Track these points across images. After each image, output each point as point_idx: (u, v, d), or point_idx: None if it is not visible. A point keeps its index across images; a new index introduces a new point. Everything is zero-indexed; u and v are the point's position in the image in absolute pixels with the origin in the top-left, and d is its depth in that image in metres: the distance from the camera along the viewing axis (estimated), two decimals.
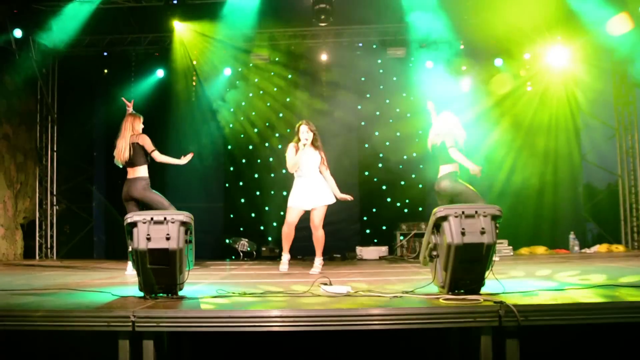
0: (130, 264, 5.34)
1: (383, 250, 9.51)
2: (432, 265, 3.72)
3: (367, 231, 10.67)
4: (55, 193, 10.55)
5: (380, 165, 10.58)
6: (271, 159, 10.58)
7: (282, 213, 5.97)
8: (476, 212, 3.43)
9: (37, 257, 10.11)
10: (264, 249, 10.01)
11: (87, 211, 10.96)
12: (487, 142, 9.82)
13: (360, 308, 3.12)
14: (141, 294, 3.59)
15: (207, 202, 10.53)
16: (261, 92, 10.78)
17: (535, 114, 10.24)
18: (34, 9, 9.09)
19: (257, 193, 10.74)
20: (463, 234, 3.36)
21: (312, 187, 5.84)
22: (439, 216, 3.47)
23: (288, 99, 10.79)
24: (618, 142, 10.41)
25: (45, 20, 9.16)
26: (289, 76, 10.79)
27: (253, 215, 10.71)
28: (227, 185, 10.97)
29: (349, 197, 5.96)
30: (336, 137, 10.14)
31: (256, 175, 10.79)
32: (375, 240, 10.17)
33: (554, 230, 10.20)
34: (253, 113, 10.76)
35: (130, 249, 3.52)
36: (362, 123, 10.68)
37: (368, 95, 10.59)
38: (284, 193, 6.05)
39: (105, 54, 10.67)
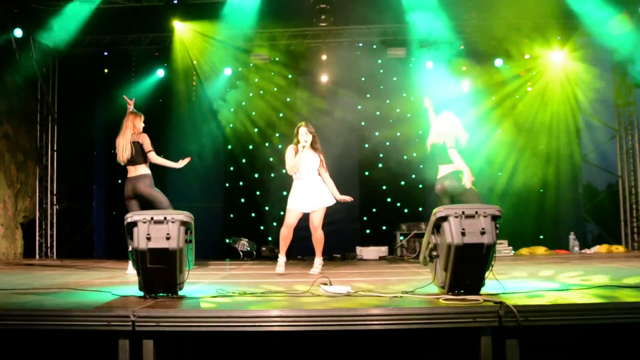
0: (130, 263, 5.34)
1: (383, 250, 9.51)
2: (432, 265, 3.72)
3: (367, 231, 10.68)
4: (55, 192, 10.56)
5: (380, 165, 10.58)
6: (271, 159, 10.59)
7: (282, 213, 5.97)
8: (476, 212, 3.43)
9: (37, 256, 10.12)
10: (263, 248, 10.02)
11: (87, 211, 10.96)
12: (487, 142, 9.83)
13: (360, 308, 3.12)
14: (141, 293, 3.59)
15: (207, 202, 10.53)
16: (261, 92, 10.79)
17: (535, 115, 10.25)
18: (35, 8, 9.09)
19: (257, 193, 10.75)
20: (463, 234, 3.36)
21: (311, 189, 5.84)
22: (439, 216, 3.47)
23: (288, 99, 10.79)
24: (618, 143, 10.42)
25: (45, 19, 9.16)
26: (289, 76, 10.80)
27: (253, 215, 10.71)
28: (227, 185, 10.97)
29: (348, 199, 5.96)
30: (336, 137, 10.12)
31: (256, 175, 10.80)
32: (375, 241, 10.17)
33: (554, 230, 10.22)
34: (253, 113, 10.76)
35: (130, 248, 3.52)
36: (363, 123, 10.68)
37: (368, 96, 10.59)
38: (284, 193, 6.04)
39: (105, 53, 10.68)
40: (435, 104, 6.46)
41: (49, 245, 10.33)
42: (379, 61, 10.61)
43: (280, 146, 10.01)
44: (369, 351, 3.28)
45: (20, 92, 9.81)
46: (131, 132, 5.96)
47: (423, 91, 6.60)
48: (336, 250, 9.41)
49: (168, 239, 3.43)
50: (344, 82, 10.55)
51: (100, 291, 4.01)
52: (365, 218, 10.74)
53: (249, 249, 9.82)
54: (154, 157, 5.89)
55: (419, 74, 10.05)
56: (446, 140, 6.09)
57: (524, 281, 4.50)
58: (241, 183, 10.87)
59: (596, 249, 9.57)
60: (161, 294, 3.58)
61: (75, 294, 3.97)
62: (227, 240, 10.08)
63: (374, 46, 10.51)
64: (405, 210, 10.58)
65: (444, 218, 3.44)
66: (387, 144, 10.42)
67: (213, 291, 3.87)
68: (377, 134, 10.52)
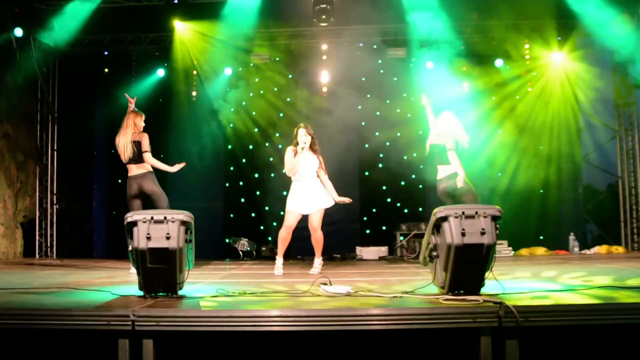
0: None
1: (383, 250, 9.51)
2: (432, 265, 3.72)
3: (367, 231, 10.67)
4: (55, 192, 10.56)
5: (380, 165, 10.58)
6: (271, 159, 10.58)
7: (282, 213, 5.97)
8: (476, 212, 3.43)
9: (37, 255, 10.12)
10: (263, 248, 10.02)
11: (87, 210, 10.97)
12: (488, 143, 9.83)
13: (360, 308, 3.12)
14: (141, 293, 3.59)
15: (207, 202, 10.54)
16: (261, 91, 10.79)
17: (536, 115, 10.25)
18: (35, 7, 9.10)
19: (257, 193, 10.74)
20: (463, 234, 3.36)
21: (309, 191, 5.84)
22: (439, 216, 3.47)
23: (288, 99, 10.79)
24: (618, 144, 10.43)
25: (46, 19, 9.16)
26: (290, 76, 10.81)
27: (253, 215, 10.72)
28: (227, 185, 10.97)
29: (347, 200, 5.95)
30: (336, 137, 10.10)
31: (256, 175, 10.79)
32: (375, 241, 10.16)
33: (554, 231, 10.22)
34: (253, 113, 10.76)
35: (130, 248, 3.52)
36: (363, 123, 10.67)
37: (368, 96, 10.58)
38: (284, 193, 6.04)
39: (105, 53, 10.70)
40: (435, 104, 6.46)
41: (49, 245, 10.33)
42: (379, 61, 10.61)
43: (280, 146, 10.00)
44: (369, 351, 3.28)
45: (21, 92, 9.81)
46: (132, 132, 5.96)
47: (423, 91, 6.56)
48: (336, 250, 9.40)
49: (168, 238, 3.43)
50: (344, 82, 10.54)
51: (100, 291, 4.01)
52: (365, 218, 10.74)
53: (249, 248, 9.82)
54: (149, 158, 5.89)
55: (419, 74, 10.04)
56: (446, 142, 6.09)
57: (524, 282, 4.50)
58: (241, 183, 10.87)
59: (596, 249, 9.57)
60: (161, 294, 3.58)
61: (75, 293, 3.97)
62: (227, 240, 10.08)
63: (374, 46, 10.52)
64: (405, 211, 10.58)
65: (444, 218, 3.44)
66: (387, 144, 10.42)
67: (213, 291, 3.87)
68: (377, 134, 10.52)
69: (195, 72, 10.72)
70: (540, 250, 9.46)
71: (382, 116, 10.54)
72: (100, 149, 10.91)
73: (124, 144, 5.92)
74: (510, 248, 9.38)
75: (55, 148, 10.62)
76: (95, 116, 10.95)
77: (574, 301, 3.23)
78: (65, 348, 3.15)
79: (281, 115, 10.71)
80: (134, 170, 5.95)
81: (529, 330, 2.96)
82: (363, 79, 10.63)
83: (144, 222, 3.47)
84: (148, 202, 5.91)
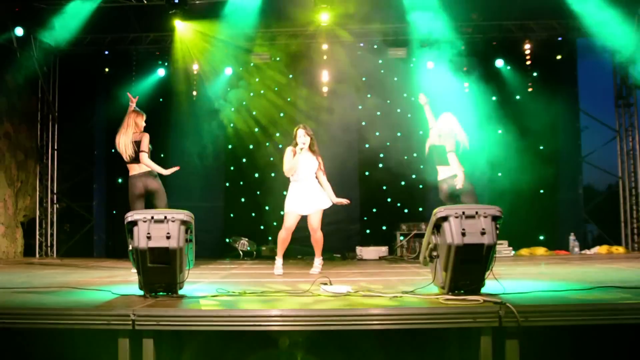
0: None
1: (383, 250, 9.51)
2: (432, 265, 3.72)
3: (367, 231, 10.67)
4: (55, 191, 10.56)
5: (380, 165, 10.57)
6: (272, 159, 10.57)
7: (282, 213, 5.97)
8: (477, 212, 3.43)
9: (38, 255, 10.12)
10: (264, 248, 10.01)
11: (88, 210, 10.97)
12: (488, 143, 9.82)
13: (360, 308, 3.12)
14: (141, 292, 3.59)
15: (208, 202, 10.54)
16: (262, 91, 10.77)
17: (536, 115, 10.23)
18: (36, 7, 9.09)
19: (258, 192, 10.73)
20: (463, 234, 3.36)
21: (308, 192, 5.84)
22: (440, 216, 3.47)
23: (289, 99, 10.78)
24: (618, 144, 10.43)
25: (46, 18, 9.16)
26: (290, 76, 10.80)
27: (253, 214, 10.71)
28: (227, 184, 10.97)
29: (344, 201, 5.95)
30: (337, 136, 10.14)
31: (257, 175, 10.78)
32: (375, 241, 10.16)
33: (554, 231, 10.23)
34: (254, 112, 10.75)
35: (130, 247, 3.52)
36: (363, 123, 10.66)
37: (369, 95, 10.57)
38: (285, 192, 6.03)
39: (106, 52, 10.70)
40: (436, 104, 6.45)
41: (49, 244, 10.33)
42: (380, 61, 10.60)
43: (280, 146, 9.99)
44: (369, 351, 3.27)
45: (21, 91, 9.81)
46: (133, 131, 5.96)
47: (425, 93, 6.55)
48: (336, 250, 9.40)
49: (168, 238, 3.44)
50: (344, 82, 10.54)
51: (100, 290, 4.02)
52: (365, 218, 10.73)
53: (249, 248, 9.82)
54: (144, 158, 5.89)
55: (419, 74, 10.04)
56: (446, 143, 6.10)
57: (524, 282, 4.50)
58: (242, 182, 10.87)
59: (596, 249, 9.57)
60: (161, 293, 3.59)
61: (75, 293, 3.97)
62: (228, 240, 10.08)
63: (375, 46, 10.51)
64: (406, 211, 10.58)
65: (444, 218, 3.45)
66: (388, 144, 10.40)
67: (213, 290, 3.87)
68: (377, 134, 10.50)
69: (195, 72, 10.72)
70: (541, 251, 9.46)
71: (382, 116, 10.53)
72: (101, 149, 10.91)
73: (125, 143, 5.92)
74: (511, 248, 9.38)
75: (56, 147, 10.62)
76: (95, 116, 10.96)
77: (574, 301, 3.23)
78: (65, 347, 3.15)
79: (282, 115, 10.70)
80: (136, 169, 5.95)
81: (530, 330, 2.96)
82: (363, 78, 10.62)
83: (145, 221, 3.47)
84: (147, 200, 5.92)
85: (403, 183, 10.59)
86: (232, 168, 10.96)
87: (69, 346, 3.13)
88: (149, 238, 3.43)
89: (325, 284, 4.03)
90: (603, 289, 3.74)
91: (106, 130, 10.39)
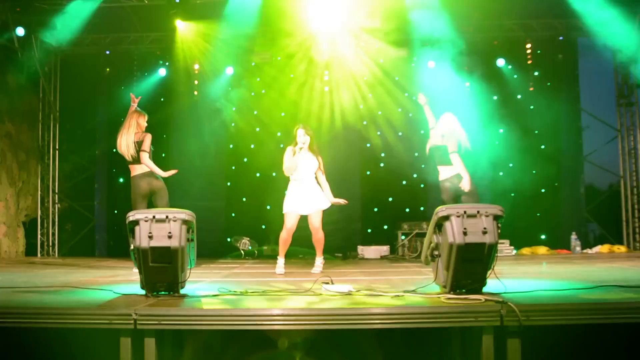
0: None
1: (384, 249, 9.50)
2: (433, 264, 3.72)
3: (369, 230, 10.66)
4: (57, 191, 10.57)
5: (381, 164, 10.57)
6: (273, 158, 10.55)
7: (283, 212, 5.97)
8: (478, 212, 3.43)
9: (39, 254, 10.13)
10: (265, 247, 10.01)
11: (89, 209, 10.98)
12: (489, 142, 9.81)
13: (361, 307, 3.12)
14: (143, 292, 3.59)
15: (209, 201, 10.52)
16: (263, 91, 10.77)
17: (537, 114, 10.23)
18: (37, 7, 9.09)
19: (259, 192, 10.72)
20: (465, 233, 3.35)
21: (307, 192, 5.84)
22: (441, 216, 3.47)
23: (290, 99, 10.77)
24: (620, 143, 10.41)
25: (48, 18, 9.16)
26: (291, 75, 10.78)
27: (255, 214, 10.69)
28: (229, 184, 10.96)
29: (342, 201, 5.96)
30: (338, 136, 10.14)
31: (258, 174, 10.77)
32: (377, 240, 10.16)
33: (555, 230, 10.22)
34: (255, 112, 10.75)
35: (132, 247, 3.52)
36: (364, 122, 10.66)
37: (370, 95, 10.57)
38: (286, 192, 6.04)
39: (107, 52, 10.70)
40: (437, 103, 6.44)
41: (50, 244, 10.34)
42: (381, 60, 10.59)
43: (282, 145, 9.98)
44: (371, 350, 3.28)
45: (22, 91, 9.81)
46: (135, 131, 5.96)
47: (426, 92, 6.54)
48: (337, 249, 9.40)
49: (170, 237, 3.44)
50: (345, 81, 10.53)
51: (102, 289, 4.02)
52: (366, 217, 10.72)
53: (250, 247, 9.82)
54: (145, 158, 5.88)
55: (421, 73, 10.03)
56: (449, 144, 6.09)
57: (526, 281, 4.50)
58: (243, 182, 10.86)
59: (598, 249, 9.56)
60: (163, 293, 3.59)
61: (77, 292, 3.98)
62: (229, 239, 10.08)
63: (376, 45, 10.50)
64: (407, 210, 10.57)
65: (446, 217, 3.45)
66: (389, 143, 10.40)
67: (215, 290, 3.88)
68: (378, 133, 10.51)
69: (196, 72, 10.72)
70: (542, 250, 9.45)
71: (383, 115, 10.52)
72: (102, 148, 10.90)
73: (126, 143, 5.92)
74: (512, 247, 9.38)
75: (57, 147, 10.62)
76: (96, 115, 10.95)
77: (576, 300, 3.23)
78: (67, 347, 3.16)
79: (283, 114, 10.69)
80: (139, 169, 5.95)
81: (531, 329, 2.96)
82: (364, 78, 10.62)
83: (146, 221, 3.48)
84: (149, 199, 5.93)
85: (404, 182, 10.59)
86: (233, 167, 10.96)
87: (71, 345, 3.14)
88: (150, 237, 3.43)
89: (327, 283, 4.03)
90: (605, 288, 3.73)
91: (107, 129, 10.40)
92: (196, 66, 10.61)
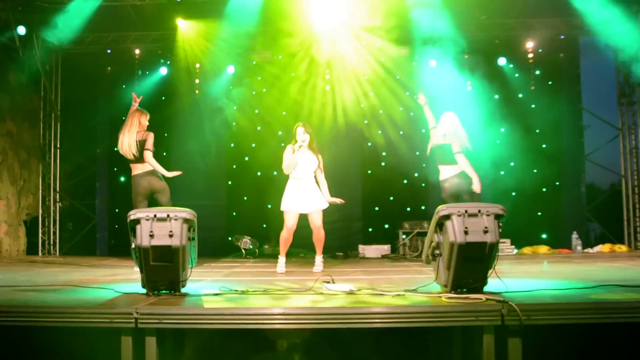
0: None
1: (385, 248, 9.50)
2: (434, 264, 3.72)
3: (370, 229, 10.66)
4: (58, 190, 10.57)
5: (383, 163, 10.56)
6: (274, 157, 10.55)
7: (281, 209, 5.97)
8: (479, 211, 3.43)
9: (40, 253, 10.14)
10: (266, 246, 10.02)
11: (90, 208, 10.99)
12: (491, 141, 9.81)
13: (362, 306, 3.12)
14: (144, 290, 3.60)
15: (210, 200, 10.53)
16: (264, 89, 10.77)
17: (539, 114, 10.22)
18: (38, 6, 9.09)
19: (260, 191, 10.72)
20: (466, 232, 3.35)
21: (306, 191, 5.84)
22: (442, 215, 3.47)
23: (291, 97, 10.76)
24: (621, 142, 10.40)
25: (49, 17, 9.16)
26: (292, 74, 10.77)
27: (256, 213, 10.69)
28: (230, 183, 10.97)
29: (338, 201, 5.96)
30: (339, 135, 10.14)
31: (259, 173, 10.77)
32: (378, 239, 10.15)
33: (556, 229, 10.22)
34: (256, 111, 10.75)
35: (133, 245, 3.52)
36: (365, 121, 10.65)
37: (371, 94, 10.57)
38: (285, 189, 6.04)
39: (108, 51, 10.70)
40: (438, 102, 6.44)
41: (51, 243, 10.35)
42: (382, 59, 10.58)
43: (283, 144, 9.98)
44: (372, 349, 3.28)
45: (24, 90, 9.81)
46: (137, 130, 5.97)
47: (427, 91, 6.54)
48: (338, 248, 9.39)
49: (171, 236, 3.44)
50: (347, 80, 10.52)
51: (103, 288, 4.02)
52: (367, 216, 10.72)
53: (251, 246, 9.82)
54: (149, 157, 5.90)
55: (422, 72, 10.02)
56: (452, 143, 6.08)
57: (527, 280, 4.49)
58: (244, 181, 10.86)
59: (599, 248, 9.56)
60: (164, 291, 3.59)
61: (78, 291, 3.98)
62: (230, 238, 10.07)
63: (377, 44, 10.49)
64: (408, 209, 10.57)
65: (447, 216, 3.44)
66: (390, 142, 10.40)
67: (216, 289, 3.88)
68: (380, 132, 10.50)
69: (198, 70, 10.72)
70: (543, 249, 9.45)
71: (384, 114, 10.51)
72: (103, 147, 10.91)
73: (128, 142, 5.93)
74: (513, 246, 9.37)
75: (58, 146, 10.64)
76: (98, 114, 10.96)
77: (577, 300, 3.23)
78: (68, 345, 3.16)
79: (284, 113, 10.68)
80: (140, 168, 5.95)
81: (532, 328, 2.96)
82: (366, 77, 10.62)
83: (147, 219, 3.48)
84: (151, 198, 5.93)
85: (406, 181, 10.59)
86: (234, 166, 10.96)
87: (72, 344, 3.14)
88: (151, 236, 3.44)
89: (328, 282, 4.03)
90: (606, 288, 3.73)
91: (109, 128, 10.42)
92: (197, 65, 10.61)
